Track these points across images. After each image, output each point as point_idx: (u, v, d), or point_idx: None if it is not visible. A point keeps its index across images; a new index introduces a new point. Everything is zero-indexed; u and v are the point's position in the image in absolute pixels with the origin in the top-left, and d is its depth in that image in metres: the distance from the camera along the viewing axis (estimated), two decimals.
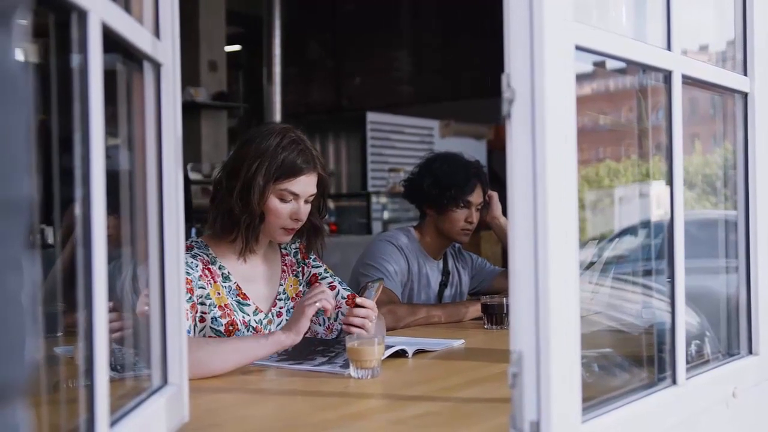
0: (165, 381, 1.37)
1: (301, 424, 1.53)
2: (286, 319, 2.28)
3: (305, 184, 2.20)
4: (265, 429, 1.56)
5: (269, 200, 2.17)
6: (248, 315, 2.21)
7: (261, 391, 1.79)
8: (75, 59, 1.01)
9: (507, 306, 2.64)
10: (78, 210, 1.00)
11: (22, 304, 0.57)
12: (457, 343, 2.34)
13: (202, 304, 2.12)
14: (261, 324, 2.24)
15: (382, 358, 1.92)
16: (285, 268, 2.37)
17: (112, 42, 1.10)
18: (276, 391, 1.78)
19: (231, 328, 2.16)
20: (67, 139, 1.02)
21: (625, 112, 2.04)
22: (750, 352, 1.81)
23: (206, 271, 2.16)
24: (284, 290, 2.34)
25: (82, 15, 0.99)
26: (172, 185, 1.37)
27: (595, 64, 1.48)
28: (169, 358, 1.37)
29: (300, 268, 2.40)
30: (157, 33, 1.34)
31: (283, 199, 2.18)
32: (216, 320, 2.14)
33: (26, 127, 0.58)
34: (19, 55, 0.59)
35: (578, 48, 1.24)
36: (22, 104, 0.57)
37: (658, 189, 1.88)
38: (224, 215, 2.19)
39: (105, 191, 1.02)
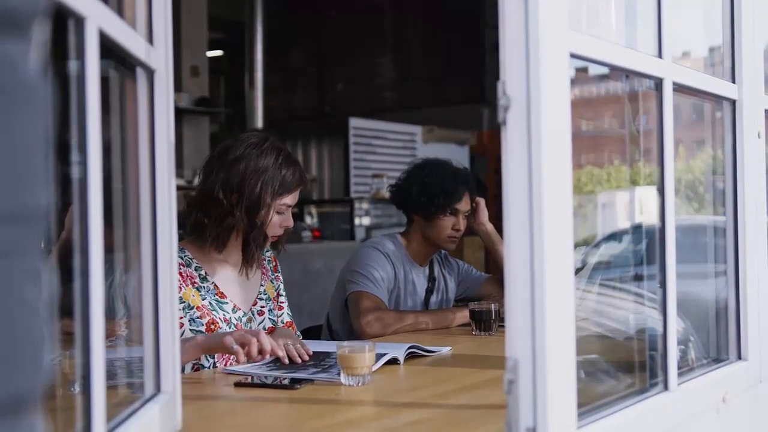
0: (158, 389, 1.36)
1: None
2: (269, 318, 2.39)
3: (297, 196, 2.33)
4: None
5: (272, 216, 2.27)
6: (228, 313, 2.27)
7: (253, 399, 1.78)
8: (71, 65, 1.00)
9: (495, 312, 2.64)
10: (75, 216, 0.99)
11: (40, 313, 0.56)
12: (446, 350, 2.34)
13: None
14: (241, 321, 2.30)
15: (376, 367, 1.91)
16: (264, 270, 2.45)
17: (106, 48, 1.10)
18: (268, 399, 1.77)
19: (213, 326, 2.22)
20: (62, 146, 1.01)
21: (608, 117, 2.05)
22: (739, 357, 1.82)
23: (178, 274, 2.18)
24: (264, 290, 2.42)
25: (80, 21, 0.98)
26: (166, 192, 1.37)
27: (578, 69, 1.48)
28: (162, 366, 1.36)
29: (275, 276, 2.50)
30: (150, 39, 1.34)
31: (279, 212, 2.29)
32: (195, 321, 2.20)
33: (45, 136, 0.58)
34: (38, 64, 0.59)
35: (573, 55, 1.25)
36: (42, 113, 0.57)
37: (642, 195, 1.89)
38: (227, 231, 2.25)
39: (102, 197, 1.02)
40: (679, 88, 1.60)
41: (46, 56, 0.63)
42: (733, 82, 1.83)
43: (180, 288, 2.18)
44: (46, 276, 0.58)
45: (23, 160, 0.55)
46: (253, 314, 2.35)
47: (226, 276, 2.32)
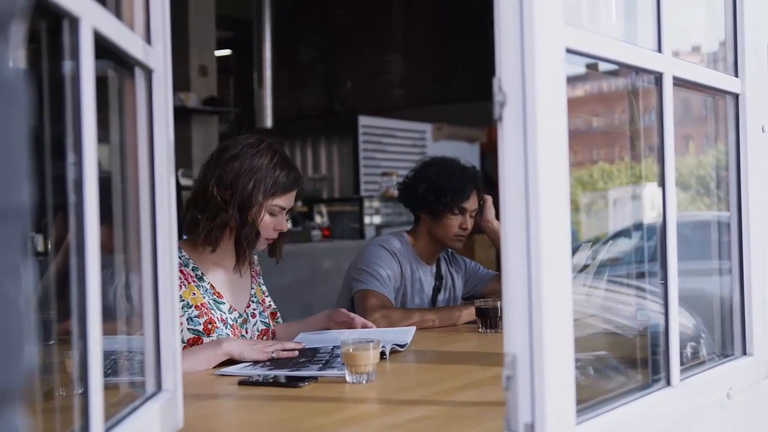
0: (159, 387, 1.36)
1: (297, 430, 1.53)
2: (260, 321, 2.43)
3: (292, 199, 2.35)
4: None
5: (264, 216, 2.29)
6: (224, 313, 2.30)
7: (255, 397, 1.79)
8: (66, 66, 1.01)
9: (501, 309, 2.64)
10: (71, 217, 1.00)
11: (20, 309, 0.57)
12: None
13: None
14: (236, 322, 2.34)
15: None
16: (254, 274, 2.49)
17: (103, 48, 1.10)
18: (270, 397, 1.77)
19: (210, 326, 2.25)
20: (58, 146, 1.02)
21: (618, 113, 2.05)
22: (744, 353, 1.81)
23: (178, 274, 2.19)
24: (254, 294, 2.46)
25: (74, 22, 0.99)
26: (165, 192, 1.37)
27: (588, 66, 1.48)
28: (163, 364, 1.37)
29: (261, 279, 2.53)
30: (148, 39, 1.34)
31: (272, 214, 2.31)
32: (192, 320, 2.22)
33: (25, 134, 0.59)
34: (17, 63, 0.59)
35: (569, 51, 1.25)
36: (21, 111, 0.58)
37: (651, 191, 1.89)
38: (219, 228, 2.28)
39: (98, 198, 1.02)
40: (680, 83, 1.59)
41: (26, 56, 0.64)
42: (737, 76, 1.82)
43: (180, 287, 2.20)
44: (26, 273, 0.59)
45: (5, 159, 0.56)
46: (247, 316, 2.39)
47: (221, 277, 2.35)
